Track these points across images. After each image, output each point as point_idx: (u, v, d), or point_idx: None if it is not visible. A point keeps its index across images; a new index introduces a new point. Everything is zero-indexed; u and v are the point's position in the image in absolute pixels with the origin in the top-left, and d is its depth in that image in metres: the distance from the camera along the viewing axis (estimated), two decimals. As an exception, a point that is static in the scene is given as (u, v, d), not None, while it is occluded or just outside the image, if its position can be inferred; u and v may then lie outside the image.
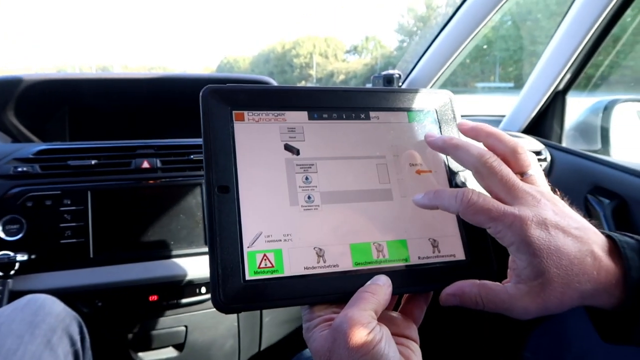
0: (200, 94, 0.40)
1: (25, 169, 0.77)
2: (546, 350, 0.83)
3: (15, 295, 0.68)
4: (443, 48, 1.33)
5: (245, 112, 0.41)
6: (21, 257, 0.72)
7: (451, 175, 0.43)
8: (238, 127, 0.40)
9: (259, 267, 0.37)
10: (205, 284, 0.84)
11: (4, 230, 0.73)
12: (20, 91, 1.00)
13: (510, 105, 1.30)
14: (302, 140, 0.41)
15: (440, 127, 0.45)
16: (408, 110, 0.45)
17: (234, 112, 0.40)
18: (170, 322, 0.85)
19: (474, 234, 0.42)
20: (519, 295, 0.34)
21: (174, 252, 0.81)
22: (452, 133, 0.45)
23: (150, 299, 0.81)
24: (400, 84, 1.37)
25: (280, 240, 0.38)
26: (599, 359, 0.75)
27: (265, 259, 0.37)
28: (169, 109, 1.18)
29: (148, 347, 0.86)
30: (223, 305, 0.35)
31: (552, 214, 0.34)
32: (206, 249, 0.82)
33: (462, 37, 1.28)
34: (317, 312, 0.36)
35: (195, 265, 0.82)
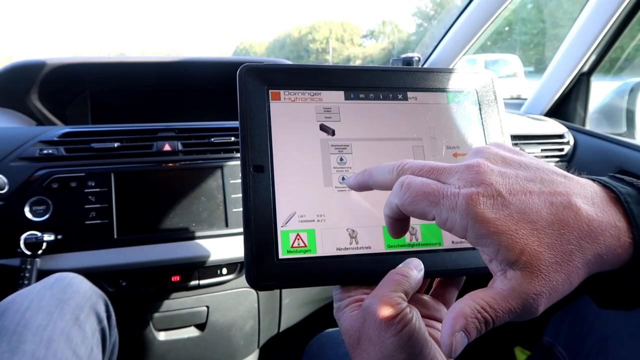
0: (237, 72, 0.40)
1: (50, 151, 0.79)
2: (567, 335, 0.82)
3: (43, 274, 0.70)
4: (463, 31, 1.30)
5: (282, 92, 0.41)
6: (48, 237, 0.74)
7: None
8: (274, 106, 0.40)
9: (292, 247, 0.37)
10: (226, 265, 0.85)
11: (31, 211, 0.75)
12: (43, 75, 1.01)
13: (532, 89, 1.28)
14: (338, 120, 0.41)
15: (480, 109, 0.44)
16: (447, 90, 0.44)
17: (270, 91, 0.40)
18: (192, 302, 0.87)
19: None
20: (514, 287, 0.26)
21: (196, 234, 0.82)
22: (492, 115, 0.44)
23: (172, 279, 0.83)
24: (420, 67, 1.35)
25: (314, 221, 0.38)
26: (622, 342, 0.74)
27: (298, 239, 0.37)
28: (188, 92, 1.19)
29: (171, 326, 0.88)
30: (256, 282, 0.35)
31: (500, 178, 0.28)
32: (227, 231, 0.83)
33: (482, 19, 1.25)
34: (348, 293, 0.36)
35: (217, 247, 0.83)
